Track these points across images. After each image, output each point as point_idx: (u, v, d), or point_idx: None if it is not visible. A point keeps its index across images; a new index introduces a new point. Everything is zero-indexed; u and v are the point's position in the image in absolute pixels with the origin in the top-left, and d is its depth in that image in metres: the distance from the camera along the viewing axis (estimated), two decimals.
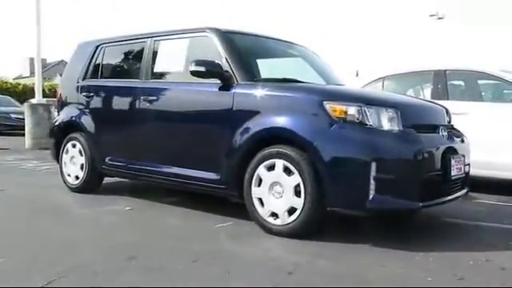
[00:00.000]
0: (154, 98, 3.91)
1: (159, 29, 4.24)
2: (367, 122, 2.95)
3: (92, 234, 3.21)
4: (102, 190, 4.69)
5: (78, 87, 4.70)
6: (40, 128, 9.84)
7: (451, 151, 3.24)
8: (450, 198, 3.27)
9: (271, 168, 3.17)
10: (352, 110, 2.96)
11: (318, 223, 3.09)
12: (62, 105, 4.96)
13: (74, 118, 4.68)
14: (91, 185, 4.61)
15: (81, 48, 4.92)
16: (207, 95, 3.59)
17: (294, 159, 3.05)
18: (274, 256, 2.81)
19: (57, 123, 4.96)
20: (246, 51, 3.72)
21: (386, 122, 2.98)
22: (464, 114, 4.57)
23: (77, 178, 4.64)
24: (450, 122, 3.67)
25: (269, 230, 3.18)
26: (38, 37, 9.80)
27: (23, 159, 7.79)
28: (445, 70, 5.26)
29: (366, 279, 2.39)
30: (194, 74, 3.47)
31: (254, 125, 3.26)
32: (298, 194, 3.04)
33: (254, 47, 3.99)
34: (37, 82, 9.98)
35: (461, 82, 5.43)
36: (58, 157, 4.90)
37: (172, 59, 4.02)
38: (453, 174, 3.20)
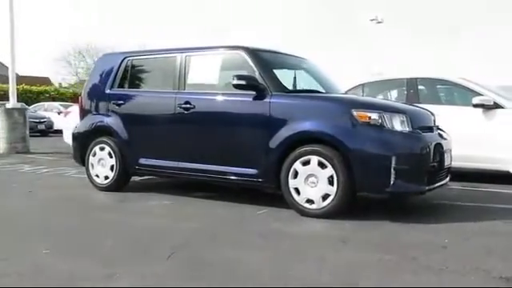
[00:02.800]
0: (192, 106, 4.49)
1: (186, 45, 4.84)
2: (386, 125, 3.76)
3: (161, 222, 3.77)
4: (128, 189, 5.17)
5: (106, 95, 5.16)
6: (15, 133, 9.93)
7: (442, 146, 4.13)
8: (442, 183, 4.17)
9: (306, 163, 3.91)
10: (375, 116, 3.76)
11: (348, 206, 3.86)
12: (85, 112, 5.40)
13: (102, 123, 5.14)
14: (120, 184, 5.10)
15: (105, 60, 5.38)
16: (244, 104, 4.26)
17: (327, 155, 3.80)
18: (321, 232, 3.55)
19: (82, 129, 5.37)
20: (272, 66, 4.43)
21: (400, 124, 3.82)
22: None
23: (106, 178, 5.11)
24: (435, 122, 4.58)
25: (305, 213, 3.91)
26: (11, 42, 9.86)
27: (11, 164, 7.92)
28: (416, 78, 6.26)
29: (404, 243, 3.18)
30: (236, 86, 4.13)
31: (291, 128, 3.97)
32: (330, 183, 3.81)
33: (276, 62, 4.69)
34: (11, 87, 10.04)
35: (429, 88, 6.43)
36: (82, 159, 5.33)
37: (205, 72, 4.64)
38: (445, 164, 4.10)
